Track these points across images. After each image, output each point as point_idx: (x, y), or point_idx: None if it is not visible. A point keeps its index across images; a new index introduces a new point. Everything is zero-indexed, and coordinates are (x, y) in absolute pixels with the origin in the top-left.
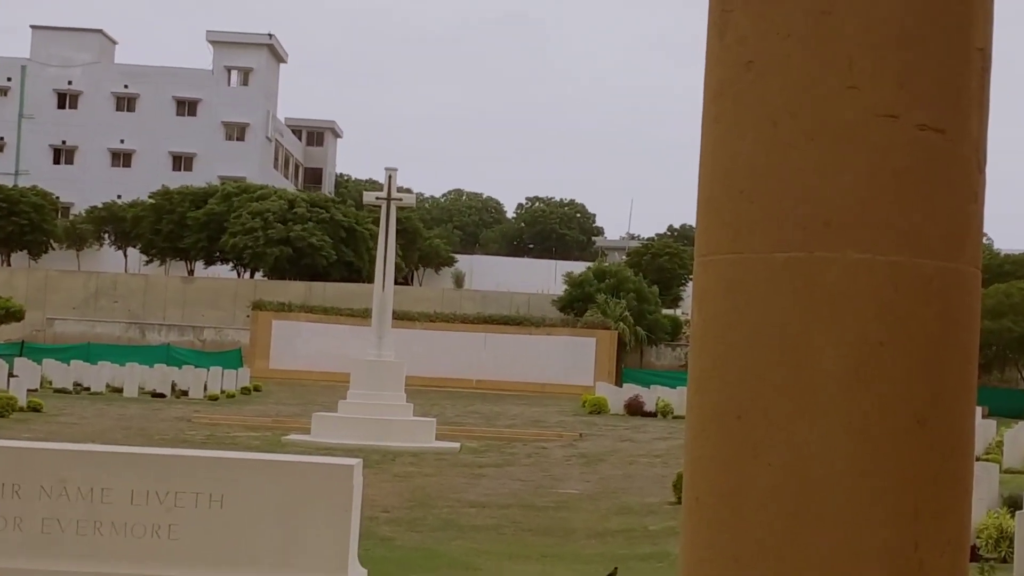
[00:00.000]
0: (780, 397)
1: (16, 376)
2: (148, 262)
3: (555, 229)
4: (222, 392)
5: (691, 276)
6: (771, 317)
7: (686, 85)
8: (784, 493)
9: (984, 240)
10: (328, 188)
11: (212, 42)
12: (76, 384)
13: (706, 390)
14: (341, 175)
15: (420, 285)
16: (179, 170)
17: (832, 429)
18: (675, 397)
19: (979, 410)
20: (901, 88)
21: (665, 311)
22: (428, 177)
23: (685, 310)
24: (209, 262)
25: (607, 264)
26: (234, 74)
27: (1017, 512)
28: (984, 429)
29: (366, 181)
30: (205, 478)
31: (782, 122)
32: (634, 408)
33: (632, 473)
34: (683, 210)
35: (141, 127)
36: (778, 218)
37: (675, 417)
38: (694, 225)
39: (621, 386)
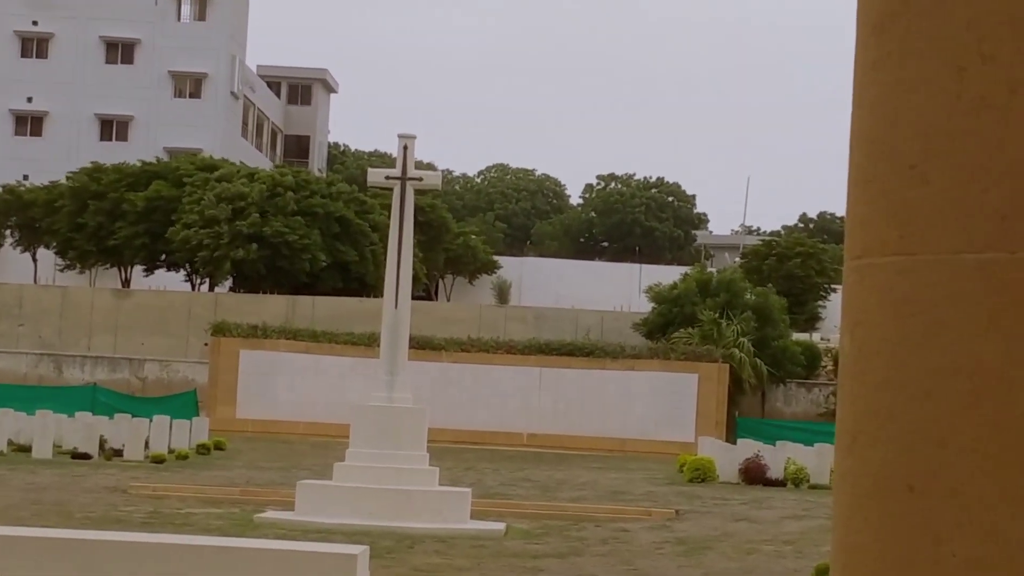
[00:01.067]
0: (971, 462)
1: None
2: (66, 268)
3: (639, 220)
4: (170, 451)
5: (837, 287)
6: (958, 346)
7: (829, 19)
8: None
9: None
10: (318, 164)
11: None
12: None
13: (863, 450)
14: (336, 145)
15: (449, 300)
16: (109, 139)
17: None
18: (812, 458)
19: None
20: None
21: (797, 335)
22: (460, 149)
23: (828, 334)
24: (152, 268)
25: (713, 270)
26: (185, 6)
27: None
28: None
29: (371, 154)
30: (148, 571)
31: (972, 68)
32: (754, 474)
33: (752, 566)
34: (823, 194)
35: (56, 80)
36: (966, 205)
37: (813, 487)
38: (842, 216)
39: (735, 443)
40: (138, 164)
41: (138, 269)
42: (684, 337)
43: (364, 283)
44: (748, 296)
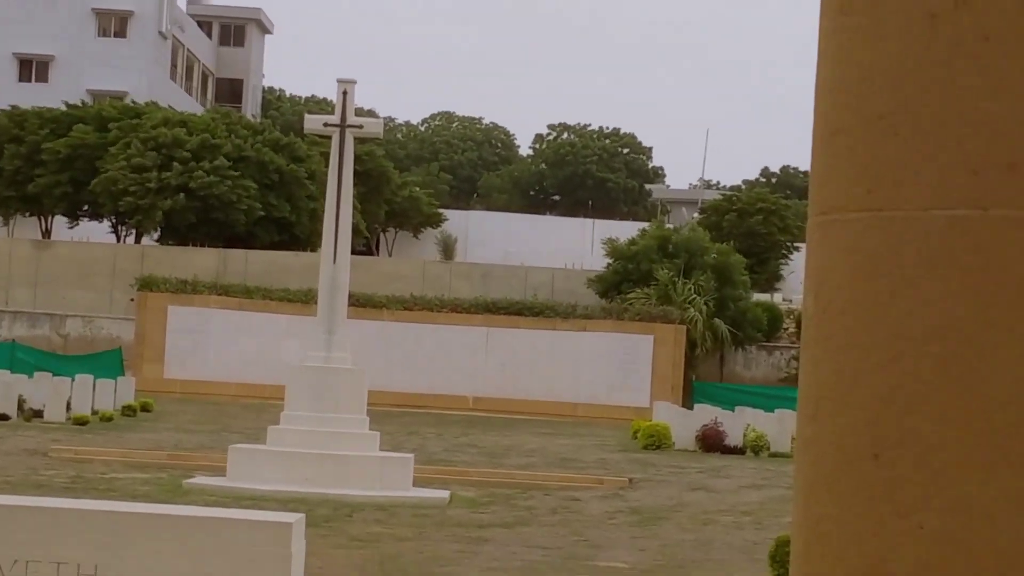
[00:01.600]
0: (940, 429)
1: None
2: None
3: (591, 172)
4: (94, 413)
5: (800, 245)
6: (927, 308)
7: None
8: (943, 572)
9: None
10: (251, 108)
11: None
12: None
13: (826, 416)
14: (271, 89)
15: (391, 255)
16: (28, 81)
17: (1021, 480)
18: (773, 425)
19: None
20: None
21: (758, 296)
22: (402, 95)
23: (790, 295)
24: (74, 217)
25: (671, 225)
26: None
27: None
28: None
29: (308, 99)
30: (70, 541)
31: (944, 14)
32: (711, 441)
33: (708, 538)
34: (786, 146)
35: None
36: (937, 159)
37: (773, 455)
38: (806, 170)
39: (692, 408)
40: (58, 109)
41: (60, 220)
42: (641, 297)
43: (300, 237)
44: (707, 253)
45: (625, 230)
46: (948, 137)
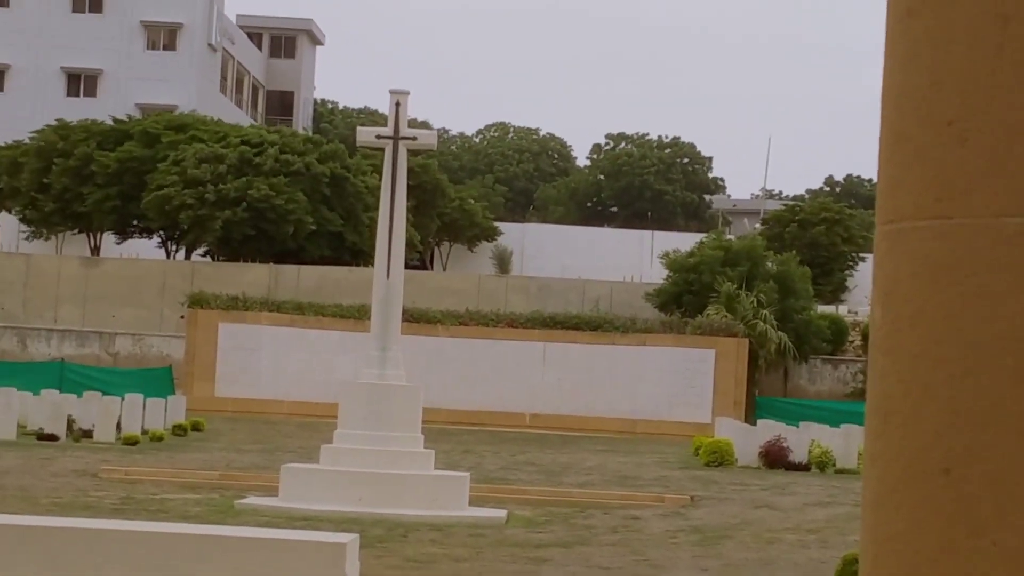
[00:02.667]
0: (1015, 443)
1: None
2: (30, 235)
3: (649, 184)
4: (144, 432)
5: (865, 255)
6: (1000, 318)
7: None
8: None
9: None
10: (303, 121)
11: None
12: None
13: (895, 430)
14: (323, 102)
15: (445, 269)
16: (76, 95)
17: None
18: (839, 440)
19: None
20: None
21: (823, 308)
22: (457, 106)
23: (856, 307)
24: (123, 234)
25: (731, 237)
26: None
27: None
28: None
29: (361, 111)
30: (121, 563)
31: (1017, 17)
32: (775, 457)
33: (772, 557)
34: (851, 155)
35: (18, 30)
36: (1008, 165)
37: (840, 471)
38: (871, 178)
39: (755, 424)
40: (108, 122)
41: (108, 237)
42: (712, 314)
43: (354, 251)
44: (769, 265)
45: (684, 242)
46: (1019, 143)
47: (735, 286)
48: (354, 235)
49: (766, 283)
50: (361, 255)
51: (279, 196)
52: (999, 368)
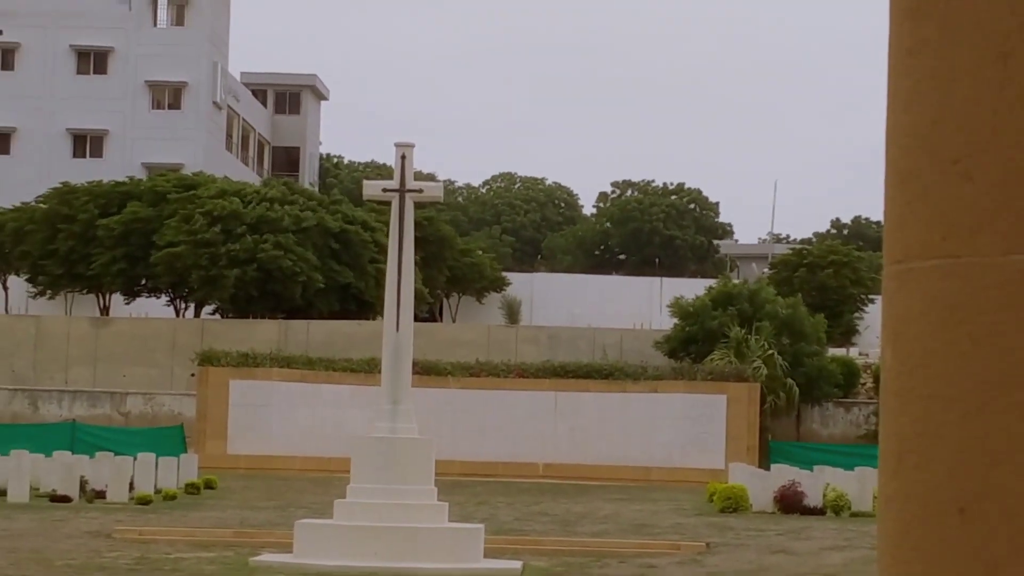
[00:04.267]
0: None
1: None
2: (39, 295)
3: (658, 230)
4: (157, 491)
5: (874, 297)
6: (1011, 356)
7: (861, 14)
8: None
9: None
10: (309, 176)
11: None
12: None
13: (909, 471)
14: (329, 156)
15: (454, 321)
16: (83, 156)
17: None
18: (854, 484)
19: None
20: None
21: (833, 351)
22: (462, 157)
23: (866, 349)
24: (132, 294)
25: (738, 281)
26: (162, 9)
27: None
28: None
29: (367, 165)
30: None
31: (1018, 54)
32: (790, 502)
33: None
34: (857, 197)
35: (24, 93)
36: (1015, 203)
37: (855, 515)
38: (878, 220)
39: (768, 469)
40: (110, 184)
41: (117, 297)
42: (718, 358)
43: (363, 304)
44: (779, 310)
45: (693, 288)
46: None
47: (744, 331)
48: (360, 281)
49: (772, 322)
50: (368, 306)
51: (287, 256)
52: (1011, 406)
